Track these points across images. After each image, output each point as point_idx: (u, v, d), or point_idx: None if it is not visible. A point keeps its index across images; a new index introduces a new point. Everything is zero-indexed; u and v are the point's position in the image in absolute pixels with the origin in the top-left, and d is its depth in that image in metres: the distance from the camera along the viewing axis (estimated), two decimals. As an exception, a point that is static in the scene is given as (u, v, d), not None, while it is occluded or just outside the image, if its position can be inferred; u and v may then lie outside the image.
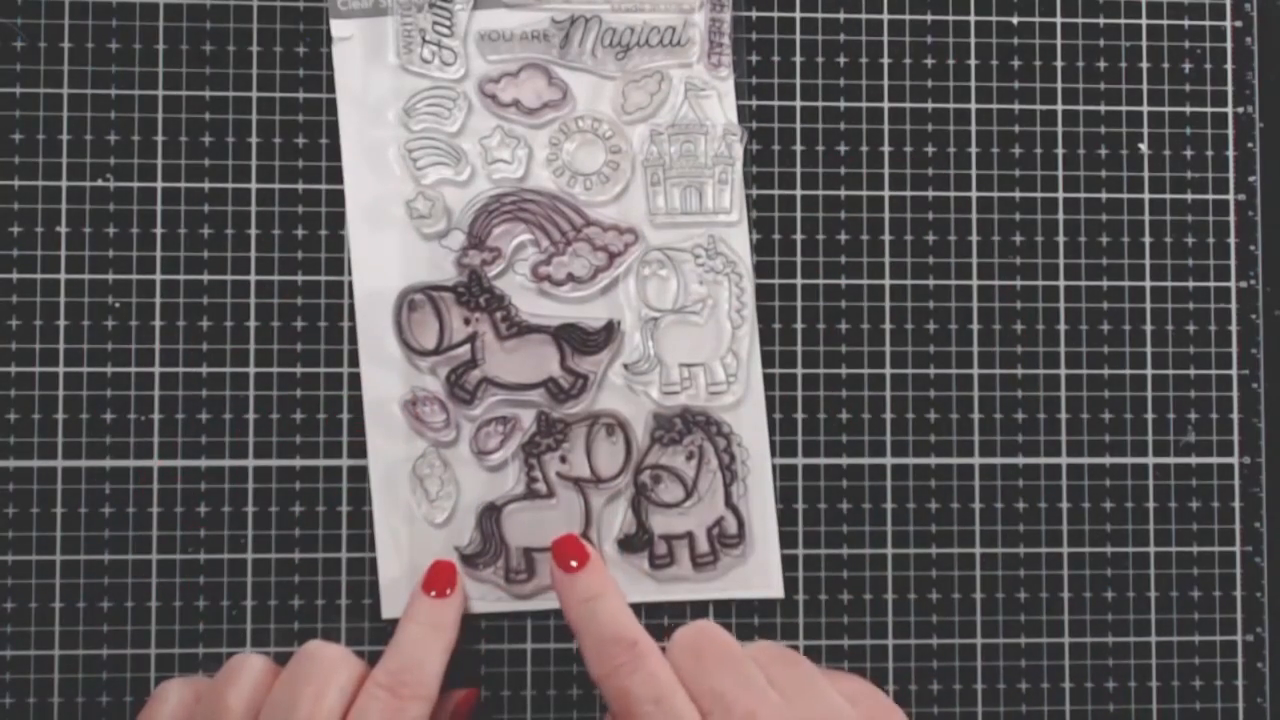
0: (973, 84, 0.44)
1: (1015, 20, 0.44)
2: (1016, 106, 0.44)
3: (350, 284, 0.42)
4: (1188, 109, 0.44)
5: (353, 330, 0.42)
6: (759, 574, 0.42)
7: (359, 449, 0.42)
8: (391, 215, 0.42)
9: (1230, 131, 0.44)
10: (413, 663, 0.37)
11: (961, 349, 0.43)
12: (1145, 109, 0.44)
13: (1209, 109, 0.44)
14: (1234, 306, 0.44)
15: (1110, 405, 0.43)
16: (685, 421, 0.42)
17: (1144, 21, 0.44)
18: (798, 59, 0.43)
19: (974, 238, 0.43)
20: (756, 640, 0.40)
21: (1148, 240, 0.44)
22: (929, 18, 0.44)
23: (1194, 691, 0.43)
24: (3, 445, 0.41)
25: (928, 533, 0.43)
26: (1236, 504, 0.43)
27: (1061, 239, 0.44)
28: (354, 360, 0.42)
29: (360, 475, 0.42)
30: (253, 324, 0.42)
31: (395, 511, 0.41)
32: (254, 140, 0.42)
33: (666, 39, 0.43)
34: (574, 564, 0.39)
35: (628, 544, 0.42)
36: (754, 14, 0.43)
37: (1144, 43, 0.44)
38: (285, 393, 0.42)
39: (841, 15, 0.44)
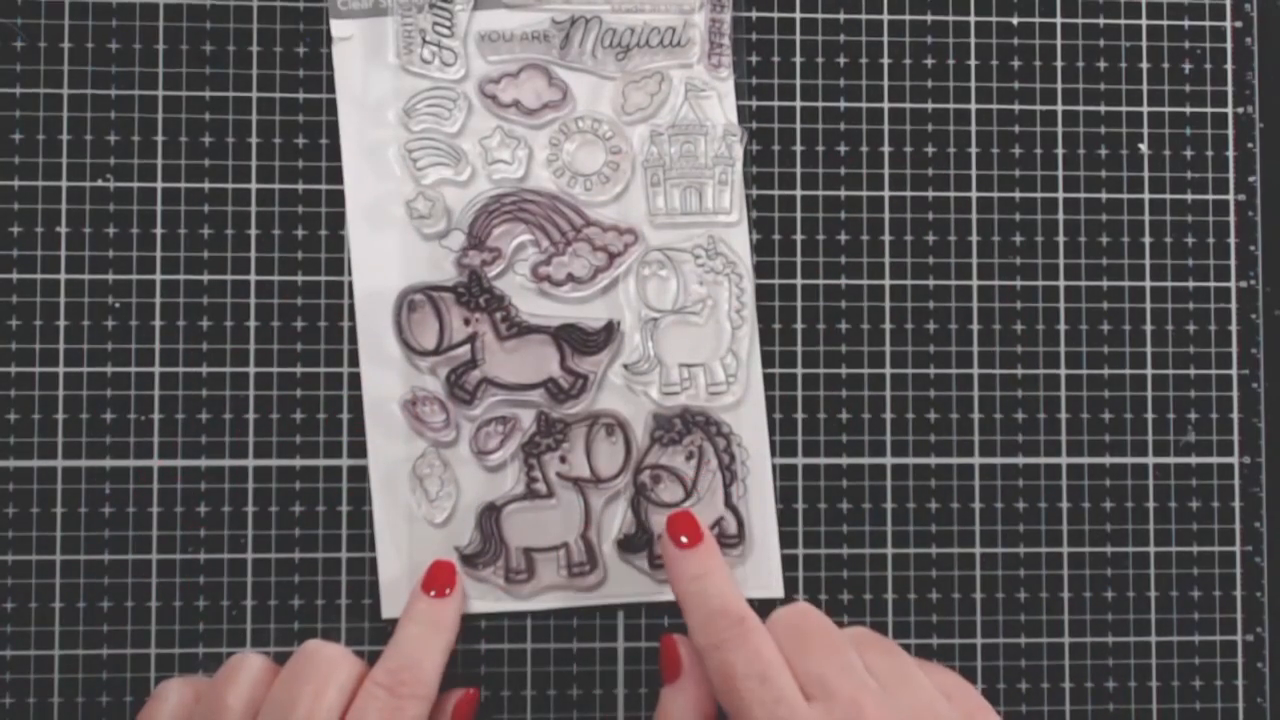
0: (973, 84, 0.44)
1: (1015, 20, 0.44)
2: (1016, 106, 0.44)
3: (350, 284, 0.42)
4: (1188, 109, 0.44)
5: (353, 330, 0.42)
6: (759, 574, 0.42)
7: (359, 449, 0.42)
8: (391, 215, 0.42)
9: (1230, 131, 0.44)
10: (412, 662, 0.37)
11: (961, 349, 0.43)
12: (1145, 109, 0.44)
13: (1209, 109, 0.44)
14: (1234, 306, 0.44)
15: (1110, 405, 0.43)
16: (685, 421, 0.42)
17: (1144, 21, 0.44)
18: (798, 59, 0.43)
19: (974, 238, 0.43)
20: (850, 625, 0.40)
21: (1148, 240, 0.44)
22: (929, 18, 0.44)
23: (1194, 691, 0.43)
24: (3, 445, 0.41)
25: (928, 533, 0.43)
26: (1236, 504, 0.43)
27: (1061, 239, 0.44)
28: (354, 360, 0.42)
29: (360, 475, 0.42)
30: (253, 324, 0.42)
31: (395, 511, 0.41)
32: (254, 140, 0.42)
33: (666, 39, 0.43)
34: (685, 540, 0.39)
35: (628, 544, 0.42)
36: (754, 14, 0.43)
37: (1144, 43, 0.44)
38: (285, 393, 0.42)
39: (841, 15, 0.44)
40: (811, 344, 0.43)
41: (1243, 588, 0.43)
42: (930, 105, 0.44)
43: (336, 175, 0.42)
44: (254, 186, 0.42)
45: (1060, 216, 0.44)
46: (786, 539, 0.42)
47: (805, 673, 0.35)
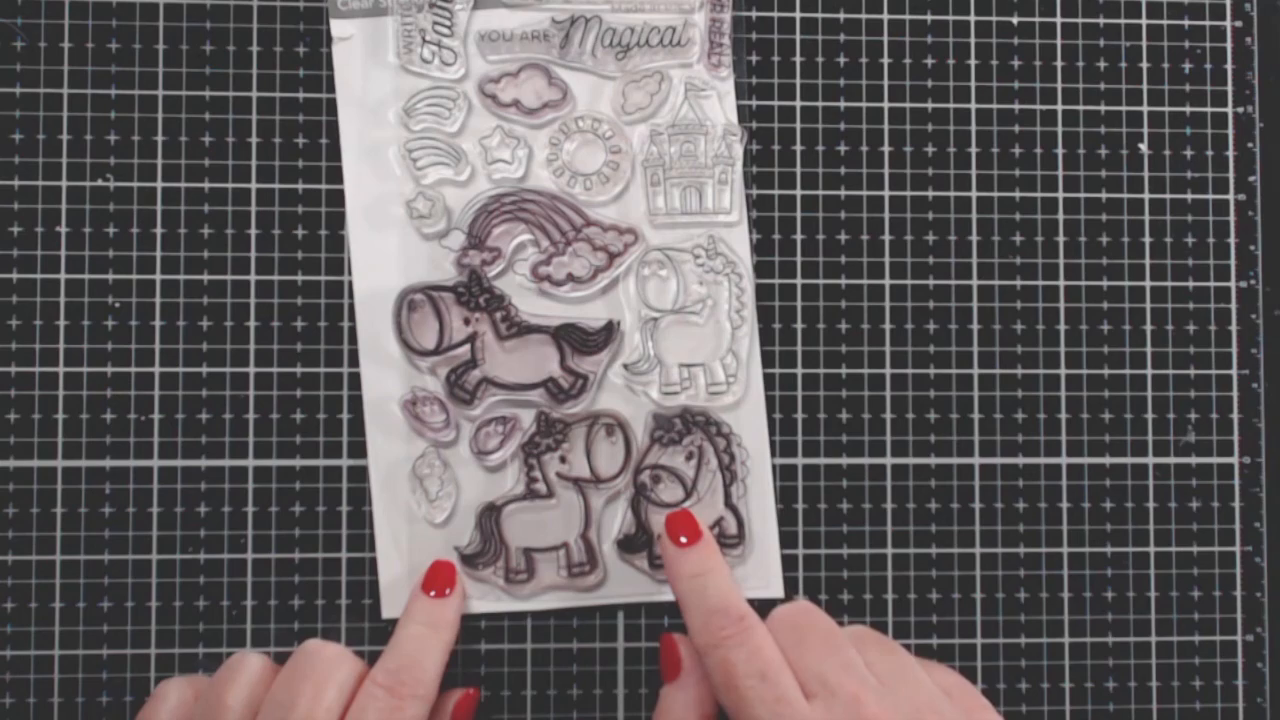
0: (973, 84, 0.44)
1: (1015, 20, 0.44)
2: (1016, 106, 0.44)
3: (350, 284, 0.42)
4: (1188, 109, 0.44)
5: (353, 330, 0.42)
6: (759, 574, 0.42)
7: (359, 449, 0.42)
8: (391, 215, 0.42)
9: (1230, 131, 0.44)
10: (411, 662, 0.37)
11: (961, 349, 0.43)
12: (1145, 109, 0.44)
13: (1209, 109, 0.44)
14: (1234, 306, 0.44)
15: (1110, 405, 0.43)
16: (685, 422, 0.42)
17: (1144, 21, 0.44)
18: (798, 59, 0.43)
19: (974, 238, 0.43)
20: (850, 625, 0.40)
21: (1148, 240, 0.44)
22: (929, 18, 0.44)
23: (1194, 691, 0.43)
24: (3, 445, 0.41)
25: (928, 533, 0.43)
26: (1236, 504, 0.43)
27: (1061, 239, 0.44)
28: (354, 360, 0.42)
29: (360, 475, 0.42)
30: (253, 324, 0.42)
31: (395, 511, 0.41)
32: (254, 140, 0.42)
33: (666, 39, 0.43)
34: (684, 540, 0.39)
35: (628, 544, 0.42)
36: (754, 14, 0.43)
37: (1144, 43, 0.44)
38: (285, 393, 0.42)
39: (841, 15, 0.44)
40: (811, 344, 0.43)
41: (1243, 588, 0.43)
42: (930, 105, 0.44)
43: (336, 175, 0.42)
44: (254, 186, 0.42)
45: (1060, 216, 0.44)
46: (786, 539, 0.42)
47: (805, 670, 0.35)
